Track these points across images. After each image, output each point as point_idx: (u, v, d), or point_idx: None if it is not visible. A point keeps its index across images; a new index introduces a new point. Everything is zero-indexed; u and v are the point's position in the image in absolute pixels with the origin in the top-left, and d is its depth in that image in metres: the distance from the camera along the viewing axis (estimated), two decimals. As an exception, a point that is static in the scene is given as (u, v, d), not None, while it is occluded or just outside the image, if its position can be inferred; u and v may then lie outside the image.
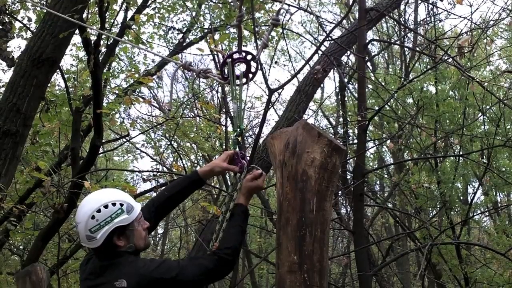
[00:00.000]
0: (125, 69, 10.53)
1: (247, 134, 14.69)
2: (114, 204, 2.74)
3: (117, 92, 8.71)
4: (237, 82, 2.85)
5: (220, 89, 11.44)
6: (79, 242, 8.79)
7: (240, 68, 2.87)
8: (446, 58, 8.23)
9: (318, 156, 2.67)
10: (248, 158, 2.98)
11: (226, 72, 2.85)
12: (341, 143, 3.05)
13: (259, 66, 5.95)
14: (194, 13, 9.74)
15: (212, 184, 12.91)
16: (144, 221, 2.88)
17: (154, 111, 15.06)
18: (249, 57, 2.83)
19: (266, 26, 9.12)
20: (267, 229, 14.44)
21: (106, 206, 2.73)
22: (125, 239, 2.77)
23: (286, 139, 2.77)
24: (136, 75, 8.58)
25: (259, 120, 12.92)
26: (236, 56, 2.82)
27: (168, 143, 11.92)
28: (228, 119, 10.24)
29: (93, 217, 2.71)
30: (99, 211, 2.71)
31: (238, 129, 2.92)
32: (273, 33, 9.76)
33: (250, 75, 2.88)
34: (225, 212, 2.93)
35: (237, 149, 2.99)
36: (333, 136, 11.89)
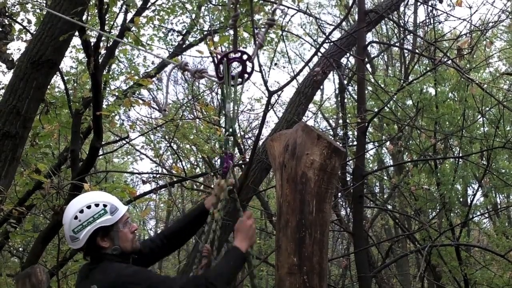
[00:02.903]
0: (124, 71, 10.53)
1: (246, 136, 14.70)
2: (97, 205, 2.76)
3: (116, 94, 8.72)
4: (232, 82, 2.84)
5: (219, 91, 11.44)
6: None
7: (237, 68, 2.87)
8: (445, 60, 8.24)
9: (318, 158, 2.68)
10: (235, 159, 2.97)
11: (221, 72, 2.84)
12: (340, 145, 3.05)
13: (259, 68, 5.94)
14: (193, 15, 9.74)
15: (212, 186, 12.89)
16: (133, 224, 2.87)
17: (153, 113, 15.08)
18: (244, 57, 2.82)
19: (265, 28, 9.12)
20: (267, 231, 14.44)
21: (89, 207, 2.75)
22: (109, 240, 2.77)
23: (285, 141, 2.77)
24: (136, 77, 8.59)
25: (259, 122, 12.93)
26: (231, 55, 2.82)
27: (168, 145, 11.92)
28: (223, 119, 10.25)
29: (76, 217, 2.73)
30: (81, 211, 2.73)
31: (230, 129, 2.91)
32: (273, 35, 9.78)
33: (246, 76, 2.88)
34: (212, 214, 2.93)
35: (228, 149, 2.97)
36: (332, 138, 11.89)
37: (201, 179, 13.35)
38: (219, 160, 13.75)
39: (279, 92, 6.85)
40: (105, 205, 2.77)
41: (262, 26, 9.52)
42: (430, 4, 9.95)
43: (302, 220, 2.64)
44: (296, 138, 2.73)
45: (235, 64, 2.86)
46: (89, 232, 2.71)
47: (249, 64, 2.85)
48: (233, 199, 2.96)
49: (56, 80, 9.89)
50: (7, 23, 7.13)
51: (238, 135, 13.20)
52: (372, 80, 10.81)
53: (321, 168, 2.67)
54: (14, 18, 8.21)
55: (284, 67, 20.08)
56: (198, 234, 8.46)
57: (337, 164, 2.73)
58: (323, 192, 2.68)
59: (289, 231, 2.67)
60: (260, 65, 6.11)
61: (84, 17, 6.28)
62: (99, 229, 2.74)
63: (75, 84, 9.16)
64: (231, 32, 8.36)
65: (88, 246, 2.75)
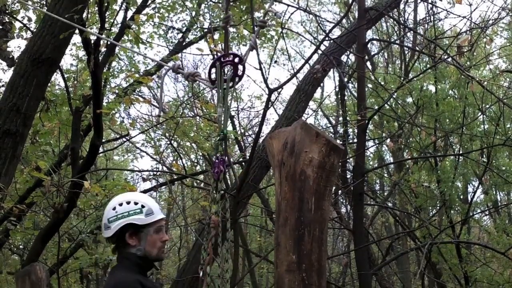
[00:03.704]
0: (125, 68, 10.53)
1: (247, 134, 14.71)
2: (136, 203, 2.93)
3: (117, 91, 8.72)
4: (224, 85, 2.85)
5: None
6: (79, 242, 8.83)
7: (230, 71, 2.88)
8: (445, 57, 8.25)
9: (316, 155, 2.68)
10: (226, 163, 2.97)
11: (214, 76, 2.86)
12: (340, 142, 3.06)
13: (259, 65, 5.95)
14: (193, 13, 9.74)
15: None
16: (165, 234, 2.99)
17: (154, 110, 15.08)
18: (236, 59, 2.84)
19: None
20: (267, 229, 14.45)
21: (128, 203, 2.93)
22: (136, 240, 2.90)
23: (284, 138, 2.77)
24: (136, 75, 8.59)
25: (259, 120, 12.93)
26: (223, 58, 2.83)
27: (168, 142, 11.93)
28: (229, 120, 10.23)
29: (114, 208, 2.92)
30: (121, 204, 2.92)
31: (222, 133, 2.92)
32: (273, 32, 9.77)
33: (237, 79, 2.89)
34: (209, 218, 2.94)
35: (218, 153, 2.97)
36: (332, 136, 11.89)
37: (201, 177, 13.36)
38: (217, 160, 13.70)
39: (279, 90, 6.86)
40: (143, 206, 2.93)
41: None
42: (430, 1, 9.94)
43: (301, 218, 2.64)
44: (295, 136, 2.73)
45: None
46: (120, 224, 2.87)
47: (240, 66, 2.86)
48: (224, 202, 2.97)
49: (57, 77, 9.90)
50: (7, 20, 7.13)
51: (238, 132, 13.21)
52: (372, 77, 10.82)
53: (320, 166, 2.67)
54: (15, 15, 8.20)
55: (284, 65, 20.11)
56: (198, 232, 8.44)
57: (336, 162, 2.73)
58: (322, 190, 2.68)
59: (288, 228, 2.67)
60: (260, 63, 6.12)
61: (84, 15, 6.28)
62: (130, 225, 2.88)
63: (75, 82, 9.16)
64: (231, 29, 8.36)
65: (117, 239, 2.91)
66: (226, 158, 2.94)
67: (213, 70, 2.85)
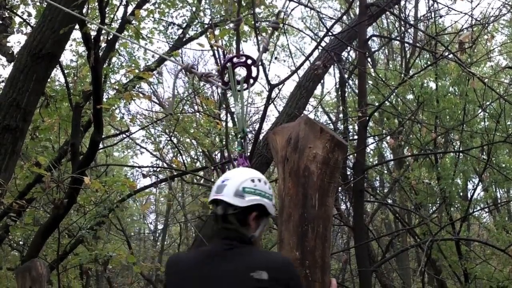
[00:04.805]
0: (125, 64, 10.50)
1: (247, 130, 14.68)
2: (270, 188, 2.65)
3: (117, 87, 8.70)
4: (238, 87, 2.85)
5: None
6: (79, 238, 8.81)
7: (242, 72, 2.88)
8: (446, 54, 8.23)
9: (321, 151, 2.67)
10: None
11: (227, 76, 2.86)
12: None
13: (262, 68, 5.92)
14: (194, 8, 9.70)
15: (212, 179, 12.91)
16: None
17: (154, 106, 15.06)
18: (249, 61, 2.83)
19: (265, 22, 9.09)
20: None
21: (265, 183, 2.64)
22: (256, 224, 2.61)
23: (288, 134, 2.76)
24: (136, 71, 8.57)
25: (260, 116, 12.90)
26: (236, 60, 2.82)
27: (168, 138, 11.90)
28: (229, 117, 10.23)
29: (253, 180, 2.60)
30: (259, 180, 2.62)
31: (242, 132, 2.91)
32: (273, 29, 9.72)
33: (251, 80, 2.89)
34: None
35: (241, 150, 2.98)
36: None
37: (201, 173, 13.34)
38: (219, 154, 13.75)
39: (280, 86, 6.86)
40: (271, 195, 2.65)
41: (263, 19, 9.51)
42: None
43: (305, 214, 2.63)
44: (298, 131, 2.72)
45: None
46: (257, 201, 2.57)
47: (254, 67, 2.86)
48: None
49: (56, 73, 9.87)
50: (7, 15, 7.10)
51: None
52: (373, 74, 10.79)
53: (324, 162, 2.66)
54: (14, 10, 8.18)
55: (284, 61, 20.06)
56: (203, 231, 8.40)
57: (340, 158, 2.72)
58: (326, 186, 2.67)
59: (292, 225, 2.66)
60: (261, 60, 6.09)
61: (84, 10, 6.25)
62: (260, 207, 2.59)
63: (75, 78, 9.13)
64: (232, 25, 8.34)
65: (241, 213, 2.57)
66: (227, 154, 2.95)
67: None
